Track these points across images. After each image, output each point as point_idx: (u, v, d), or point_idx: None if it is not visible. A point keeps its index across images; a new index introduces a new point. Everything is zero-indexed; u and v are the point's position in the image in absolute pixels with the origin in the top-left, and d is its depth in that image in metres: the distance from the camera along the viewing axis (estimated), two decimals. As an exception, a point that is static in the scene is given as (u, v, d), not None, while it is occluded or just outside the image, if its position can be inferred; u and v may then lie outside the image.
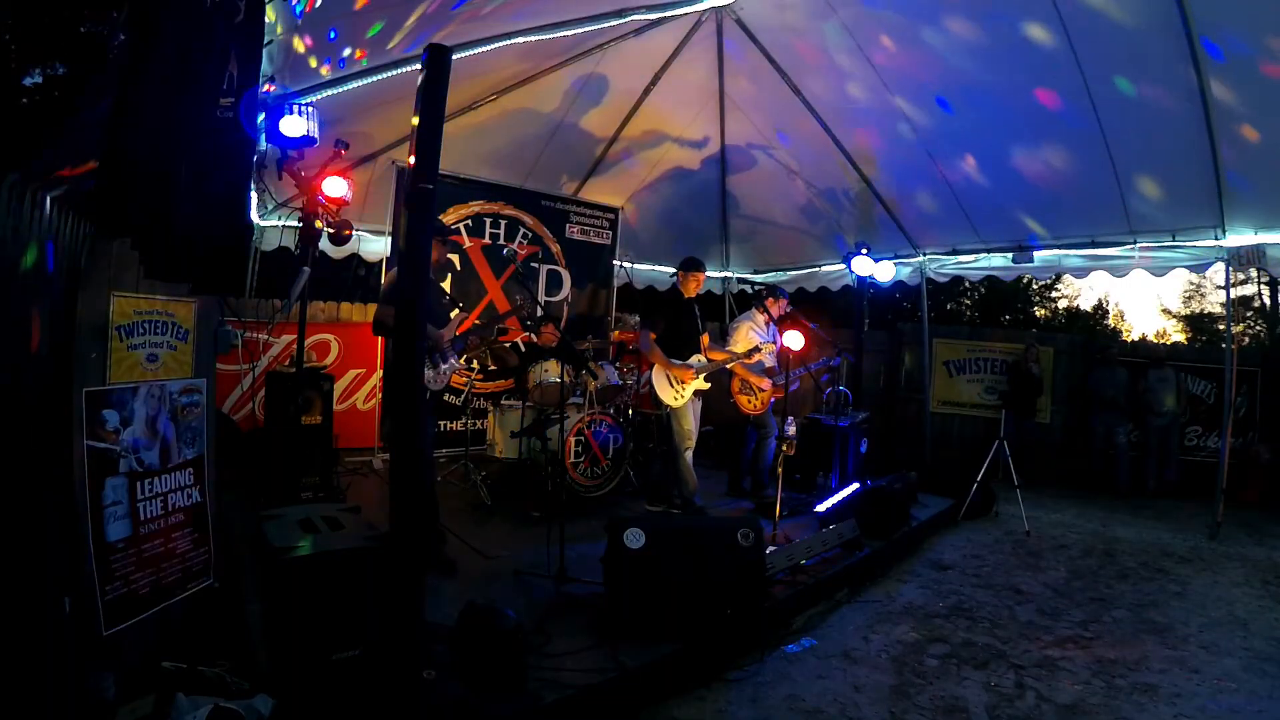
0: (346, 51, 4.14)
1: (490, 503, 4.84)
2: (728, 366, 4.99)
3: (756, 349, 4.91)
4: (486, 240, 6.49)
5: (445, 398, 5.67)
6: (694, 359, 4.76)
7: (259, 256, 6.12)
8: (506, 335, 5.57)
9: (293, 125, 3.64)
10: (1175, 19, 4.01)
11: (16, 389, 1.93)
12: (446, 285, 5.99)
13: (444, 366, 3.85)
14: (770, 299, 5.21)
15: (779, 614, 3.50)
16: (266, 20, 3.15)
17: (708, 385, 4.81)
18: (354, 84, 4.39)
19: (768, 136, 6.86)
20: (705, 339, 4.97)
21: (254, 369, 5.20)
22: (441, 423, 6.15)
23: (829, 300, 9.55)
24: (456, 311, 4.12)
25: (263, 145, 3.82)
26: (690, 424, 4.74)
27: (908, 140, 5.95)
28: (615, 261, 7.39)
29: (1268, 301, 17.86)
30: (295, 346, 4.22)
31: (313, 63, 4.05)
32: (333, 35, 3.91)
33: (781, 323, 5.23)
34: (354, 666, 2.29)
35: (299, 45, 3.73)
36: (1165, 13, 4.01)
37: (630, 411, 5.52)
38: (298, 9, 3.36)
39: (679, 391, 4.65)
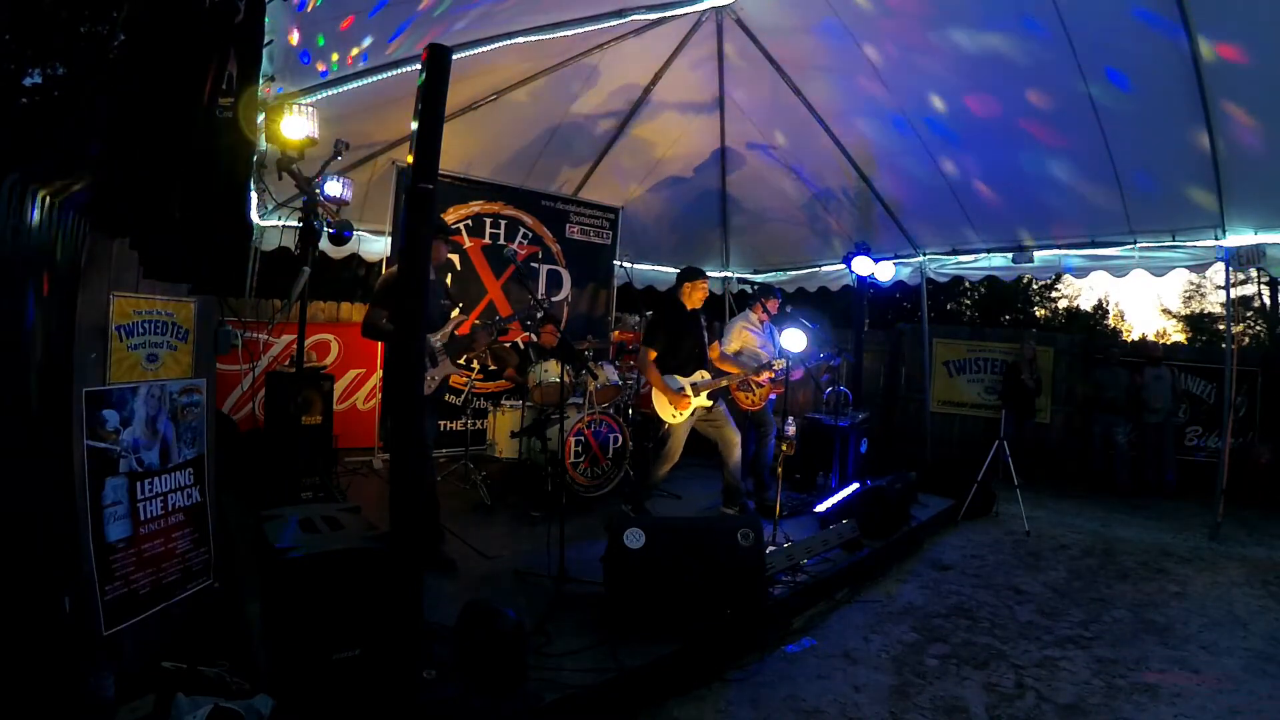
0: (336, 56, 4.13)
1: (490, 503, 4.84)
2: (735, 381, 4.79)
3: (768, 366, 4.76)
4: (486, 240, 6.49)
5: (445, 398, 5.67)
6: (698, 375, 4.56)
7: (259, 256, 6.12)
8: (506, 335, 5.56)
9: (293, 125, 3.64)
10: (1175, 17, 4.01)
11: (16, 389, 1.93)
12: (447, 284, 5.99)
13: (433, 371, 3.73)
14: (764, 298, 5.26)
15: (779, 614, 3.50)
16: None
17: (710, 403, 4.58)
18: (354, 84, 4.38)
19: (768, 136, 6.86)
20: (715, 350, 4.77)
21: (254, 369, 5.20)
22: (441, 423, 6.15)
23: (829, 300, 9.56)
24: (456, 312, 4.07)
25: (262, 145, 3.81)
26: (679, 445, 4.56)
27: (908, 140, 5.94)
28: (615, 261, 7.39)
29: (1268, 301, 17.88)
30: (295, 346, 4.22)
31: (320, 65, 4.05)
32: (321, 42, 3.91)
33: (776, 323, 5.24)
34: (354, 666, 2.29)
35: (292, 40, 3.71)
36: (1165, 11, 4.01)
37: (630, 411, 5.52)
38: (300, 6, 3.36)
39: (677, 410, 4.48)
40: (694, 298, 4.64)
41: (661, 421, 4.58)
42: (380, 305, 3.54)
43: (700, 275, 4.68)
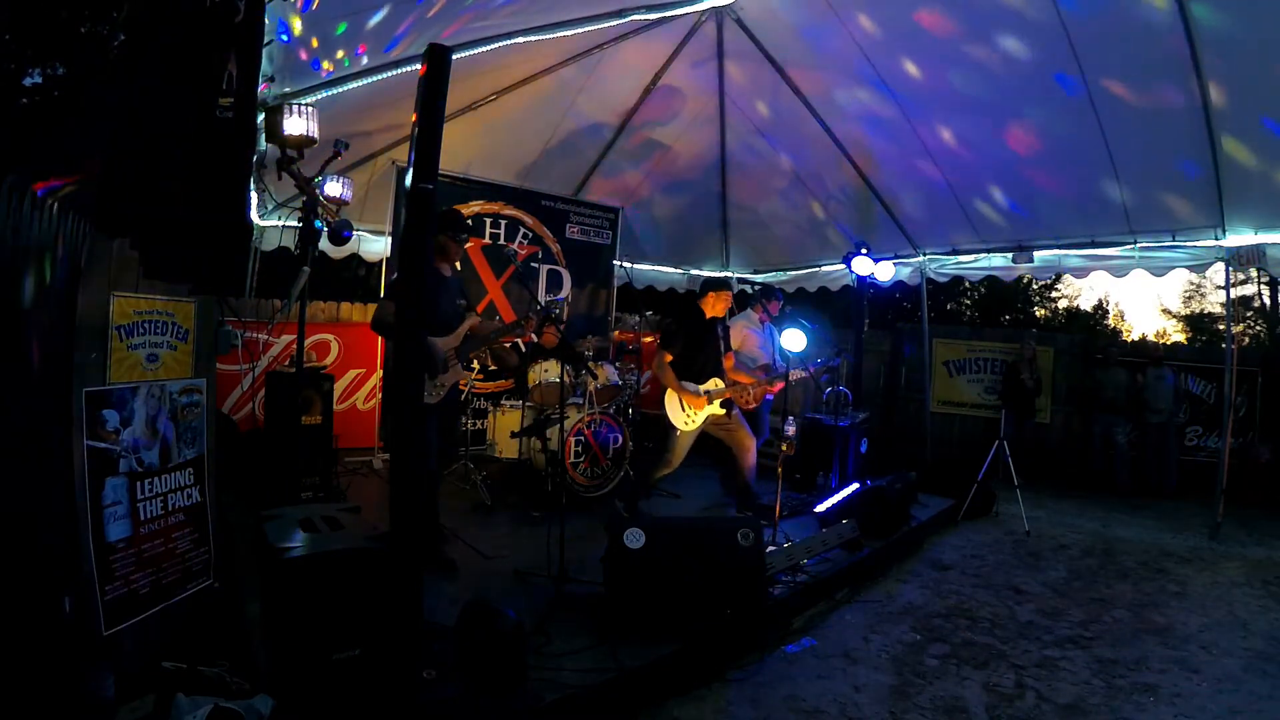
0: (340, 54, 4.12)
1: (490, 503, 4.84)
2: (749, 392, 4.72)
3: (783, 376, 4.72)
4: (486, 240, 6.49)
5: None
6: (712, 383, 4.50)
7: (259, 256, 6.12)
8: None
9: (292, 125, 3.63)
10: (1174, 15, 4.01)
11: (17, 389, 1.93)
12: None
13: (442, 377, 3.64)
14: (765, 299, 5.28)
15: (779, 614, 3.50)
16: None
17: (723, 411, 4.53)
18: (354, 84, 4.38)
19: (768, 136, 6.86)
20: (730, 360, 4.76)
21: (254, 369, 5.19)
22: (441, 423, 6.14)
23: (829, 300, 9.56)
24: (472, 317, 4.00)
25: (262, 145, 3.80)
26: (683, 452, 4.51)
27: (908, 140, 5.95)
28: (615, 261, 7.40)
29: (1268, 301, 17.88)
30: (295, 346, 4.21)
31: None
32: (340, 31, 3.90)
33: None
34: (354, 666, 2.29)
35: (303, 51, 3.72)
36: (1165, 9, 4.01)
37: (630, 411, 5.51)
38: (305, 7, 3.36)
39: (690, 417, 4.42)
40: (717, 308, 4.59)
41: (669, 426, 4.49)
42: (392, 299, 3.53)
43: (726, 286, 4.66)
